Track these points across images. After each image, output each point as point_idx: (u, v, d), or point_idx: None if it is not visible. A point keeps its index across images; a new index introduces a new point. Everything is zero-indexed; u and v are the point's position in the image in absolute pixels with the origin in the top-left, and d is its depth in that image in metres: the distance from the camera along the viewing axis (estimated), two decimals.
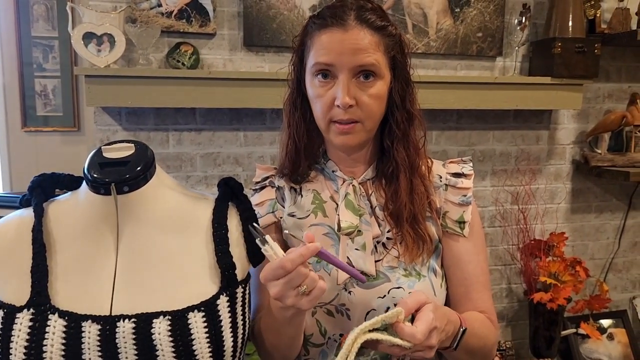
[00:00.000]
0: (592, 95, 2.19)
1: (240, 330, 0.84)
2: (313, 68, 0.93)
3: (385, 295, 0.93)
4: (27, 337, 0.75)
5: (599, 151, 2.14)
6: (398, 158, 0.98)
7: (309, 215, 1.01)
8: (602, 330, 2.19)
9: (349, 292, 0.94)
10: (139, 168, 0.83)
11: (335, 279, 0.95)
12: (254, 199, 1.05)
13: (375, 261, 0.97)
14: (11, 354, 0.74)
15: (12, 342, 0.75)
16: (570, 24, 1.95)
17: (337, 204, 1.00)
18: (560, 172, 2.21)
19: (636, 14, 2.04)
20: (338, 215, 0.97)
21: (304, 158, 1.03)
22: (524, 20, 1.96)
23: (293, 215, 1.02)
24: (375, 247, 0.98)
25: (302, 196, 1.03)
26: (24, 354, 0.74)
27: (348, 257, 0.96)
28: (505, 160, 2.14)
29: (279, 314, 0.83)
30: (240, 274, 0.86)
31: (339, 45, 0.90)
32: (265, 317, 0.94)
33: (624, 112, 2.09)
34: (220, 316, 0.81)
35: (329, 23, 0.91)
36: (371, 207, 1.01)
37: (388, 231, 0.98)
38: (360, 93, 0.91)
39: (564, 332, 2.12)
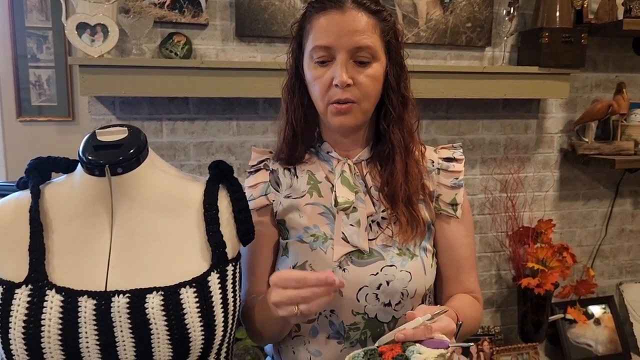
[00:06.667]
0: (579, 84, 2.22)
1: (230, 307, 0.87)
2: (312, 51, 0.97)
3: (377, 273, 0.97)
4: (26, 312, 0.78)
5: (586, 140, 2.17)
6: (394, 140, 1.01)
7: (304, 195, 1.04)
8: (589, 315, 2.24)
9: (343, 270, 0.97)
10: (132, 150, 0.86)
11: (331, 257, 0.98)
12: (248, 181, 1.08)
13: (370, 239, 1.00)
14: (10, 328, 0.77)
15: (12, 316, 0.78)
16: (557, 14, 1.98)
17: (332, 184, 1.03)
18: (548, 161, 2.25)
19: (622, 4, 2.07)
20: (334, 191, 1.00)
21: (301, 142, 1.05)
22: (512, 11, 1.99)
23: (289, 197, 1.05)
24: (370, 226, 1.01)
25: (297, 177, 1.06)
26: (23, 327, 0.77)
27: (343, 233, 0.99)
28: (494, 149, 2.18)
29: (273, 311, 0.86)
30: (230, 253, 0.89)
31: (337, 27, 0.94)
32: (258, 306, 0.97)
33: (610, 101, 2.12)
34: (211, 292, 0.84)
35: (327, 6, 0.96)
36: (366, 186, 1.04)
37: (383, 211, 1.02)
38: (357, 73, 0.95)
39: (552, 318, 2.17)
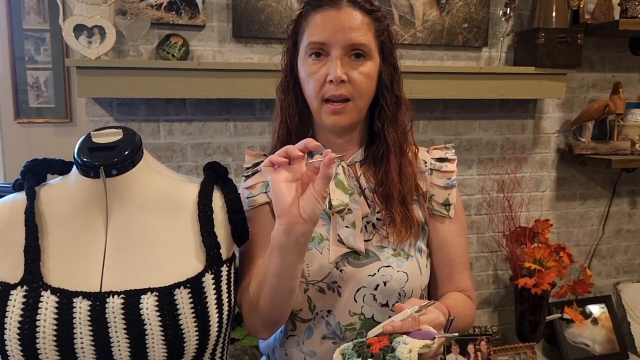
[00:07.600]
0: (576, 84, 2.23)
1: (225, 307, 0.88)
2: (307, 47, 0.97)
3: (375, 273, 0.98)
4: (21, 312, 0.78)
5: (583, 139, 2.18)
6: (389, 139, 1.02)
7: None
8: (586, 315, 2.25)
9: (341, 270, 0.98)
10: (126, 152, 0.86)
11: (327, 257, 0.99)
12: (246, 183, 1.09)
13: (365, 240, 1.00)
14: (6, 329, 0.78)
15: (7, 317, 0.78)
16: (554, 14, 1.98)
17: None
18: (545, 161, 2.25)
19: (618, 4, 2.07)
20: (329, 194, 1.01)
21: (295, 140, 1.06)
22: (508, 11, 1.99)
23: None
24: (365, 227, 1.01)
25: None
26: (18, 328, 0.77)
27: (339, 235, 0.99)
28: (491, 149, 2.18)
29: (281, 241, 0.84)
30: (225, 254, 0.90)
31: (332, 23, 0.95)
32: (261, 270, 0.92)
33: (606, 101, 2.12)
34: (205, 293, 0.84)
35: (323, 4, 0.97)
36: (360, 187, 1.04)
37: (378, 212, 1.02)
38: (351, 70, 0.95)
39: (549, 317, 2.17)
